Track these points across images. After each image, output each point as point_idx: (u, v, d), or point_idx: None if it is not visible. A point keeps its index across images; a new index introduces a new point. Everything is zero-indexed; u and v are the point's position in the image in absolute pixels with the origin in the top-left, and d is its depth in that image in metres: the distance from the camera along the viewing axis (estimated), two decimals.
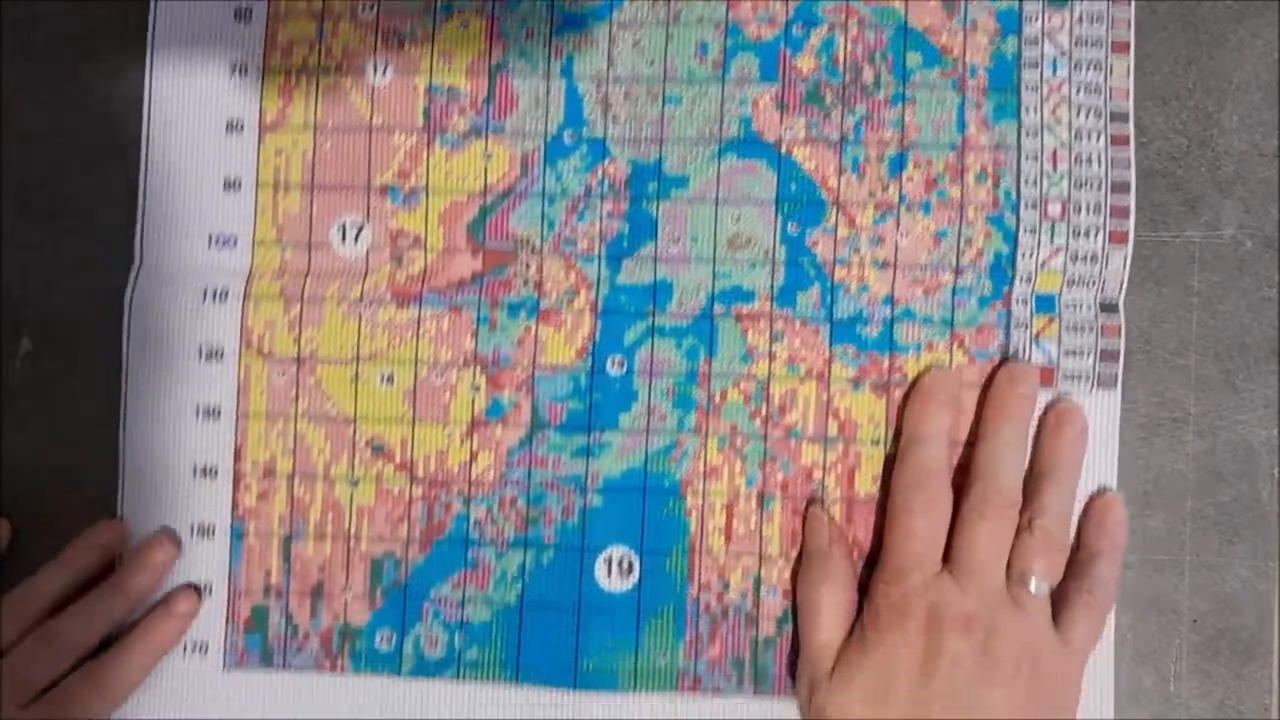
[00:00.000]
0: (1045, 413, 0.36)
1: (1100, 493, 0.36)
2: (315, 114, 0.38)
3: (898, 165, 0.37)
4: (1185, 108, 0.37)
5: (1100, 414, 0.37)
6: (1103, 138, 0.37)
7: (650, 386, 0.37)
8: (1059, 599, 0.35)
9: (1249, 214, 0.37)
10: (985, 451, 0.35)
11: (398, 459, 0.37)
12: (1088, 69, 0.37)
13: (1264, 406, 0.37)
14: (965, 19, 0.37)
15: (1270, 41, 0.37)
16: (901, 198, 0.37)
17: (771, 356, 0.37)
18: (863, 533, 0.37)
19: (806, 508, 0.37)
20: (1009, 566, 0.34)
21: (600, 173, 0.38)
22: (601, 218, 0.38)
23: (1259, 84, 0.37)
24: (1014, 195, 0.37)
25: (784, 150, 0.37)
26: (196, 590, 0.37)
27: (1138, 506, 0.37)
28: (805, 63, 0.37)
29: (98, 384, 0.38)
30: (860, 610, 0.35)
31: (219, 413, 0.38)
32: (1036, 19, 0.37)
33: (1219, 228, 0.37)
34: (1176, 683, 0.37)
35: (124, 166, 0.39)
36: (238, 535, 0.37)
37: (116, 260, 0.38)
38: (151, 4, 0.39)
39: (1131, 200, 0.37)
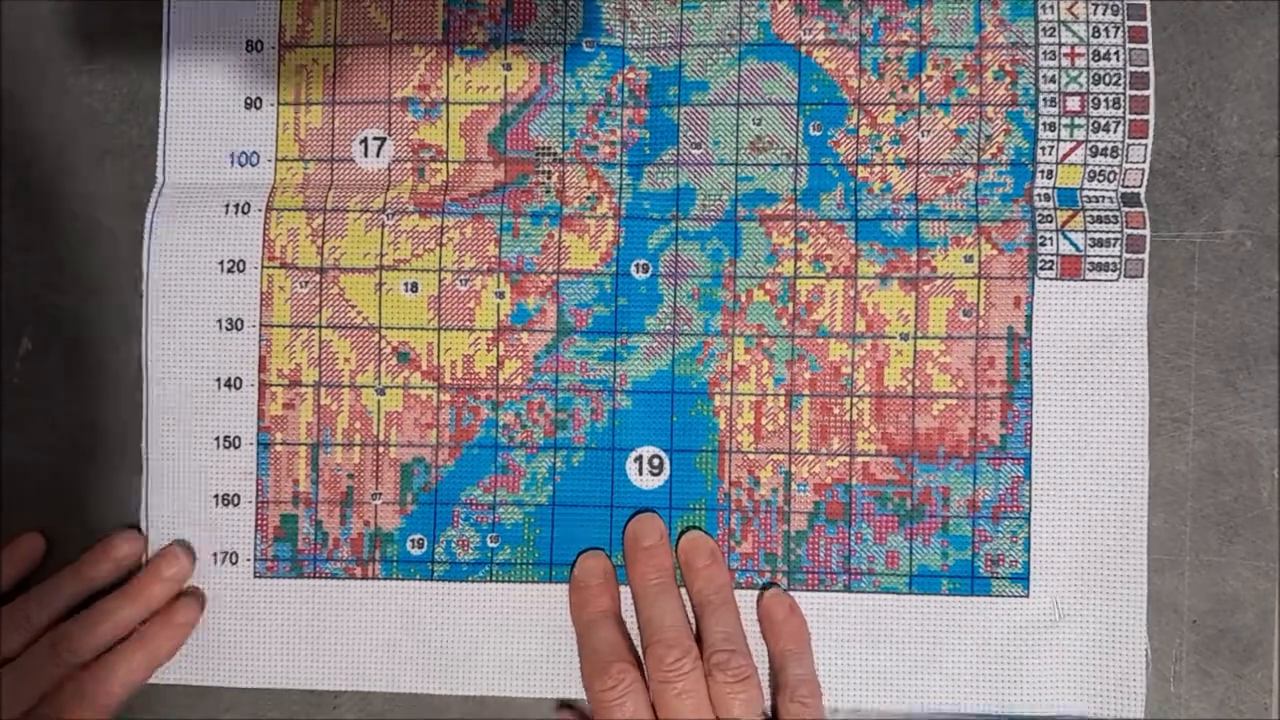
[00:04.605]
0: (678, 550, 0.36)
1: (764, 590, 0.36)
2: (335, 30, 0.38)
3: (917, 65, 0.37)
4: (1185, 108, 0.37)
5: (1129, 303, 0.37)
6: (1120, 32, 0.37)
7: (675, 290, 0.37)
8: (777, 711, 0.35)
9: (1249, 214, 0.37)
10: (641, 612, 0.35)
11: (424, 366, 0.37)
12: None
13: (1264, 406, 0.37)
14: None
15: (1270, 42, 0.37)
16: (921, 97, 0.37)
17: (797, 256, 0.37)
18: (893, 427, 0.37)
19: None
20: (717, 716, 0.34)
21: (620, 80, 0.38)
22: (623, 124, 0.38)
23: (1259, 84, 0.37)
24: (1033, 92, 0.37)
25: (804, 52, 0.38)
26: (199, 600, 0.37)
27: None
28: None
29: (98, 384, 0.38)
30: None
31: (242, 324, 0.37)
32: None
33: (1219, 228, 0.37)
34: (1176, 682, 0.36)
35: (124, 167, 0.39)
36: (264, 445, 0.37)
37: (117, 260, 0.38)
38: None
39: (1151, 92, 0.37)
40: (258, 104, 0.38)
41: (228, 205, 0.38)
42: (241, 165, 0.38)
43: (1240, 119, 0.37)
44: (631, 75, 0.38)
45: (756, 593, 0.36)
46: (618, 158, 0.38)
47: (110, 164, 0.39)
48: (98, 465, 0.38)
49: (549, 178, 0.38)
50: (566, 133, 0.38)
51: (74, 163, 0.39)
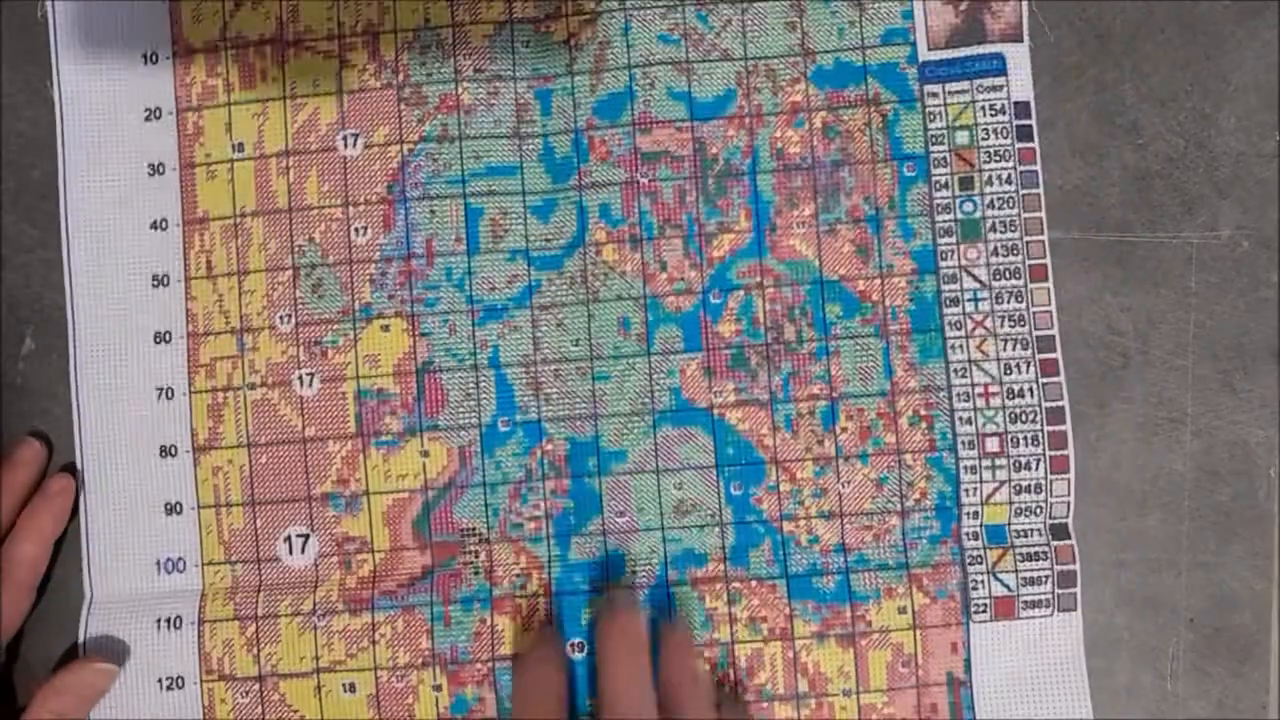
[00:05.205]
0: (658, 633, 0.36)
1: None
2: (247, 431, 0.38)
3: (830, 418, 0.37)
4: (1183, 109, 0.37)
5: (1063, 637, 0.37)
6: (1032, 367, 0.37)
7: None
8: None
9: (1246, 215, 0.37)
10: (603, 683, 0.34)
11: None
12: (1009, 299, 0.37)
13: (1261, 406, 0.37)
14: (881, 264, 0.37)
15: (1269, 43, 0.37)
16: (838, 449, 0.37)
17: (732, 619, 0.37)
18: None
19: None
20: None
21: (539, 453, 0.38)
22: (546, 497, 0.38)
23: (1257, 85, 0.37)
24: (950, 435, 0.37)
25: (717, 415, 0.37)
26: (73, 473, 0.38)
27: (1135, 507, 0.37)
28: (727, 327, 0.37)
29: None
30: None
31: None
32: (952, 255, 0.37)
33: (1216, 229, 0.37)
34: (1174, 682, 0.37)
35: None
36: None
37: None
38: (70, 346, 0.39)
39: (1068, 426, 0.37)
40: (178, 509, 0.38)
41: (159, 620, 0.38)
42: (168, 573, 0.38)
43: (1238, 120, 0.37)
44: (550, 447, 0.38)
45: None
46: (544, 530, 0.38)
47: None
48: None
49: (477, 558, 0.38)
50: (490, 512, 0.38)
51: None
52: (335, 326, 0.38)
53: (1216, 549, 0.37)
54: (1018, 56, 0.37)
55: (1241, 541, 0.37)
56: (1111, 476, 0.37)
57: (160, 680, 0.38)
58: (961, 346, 0.37)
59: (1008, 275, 0.37)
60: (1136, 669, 0.37)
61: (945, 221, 0.37)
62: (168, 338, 0.38)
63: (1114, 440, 0.37)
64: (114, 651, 0.38)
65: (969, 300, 0.37)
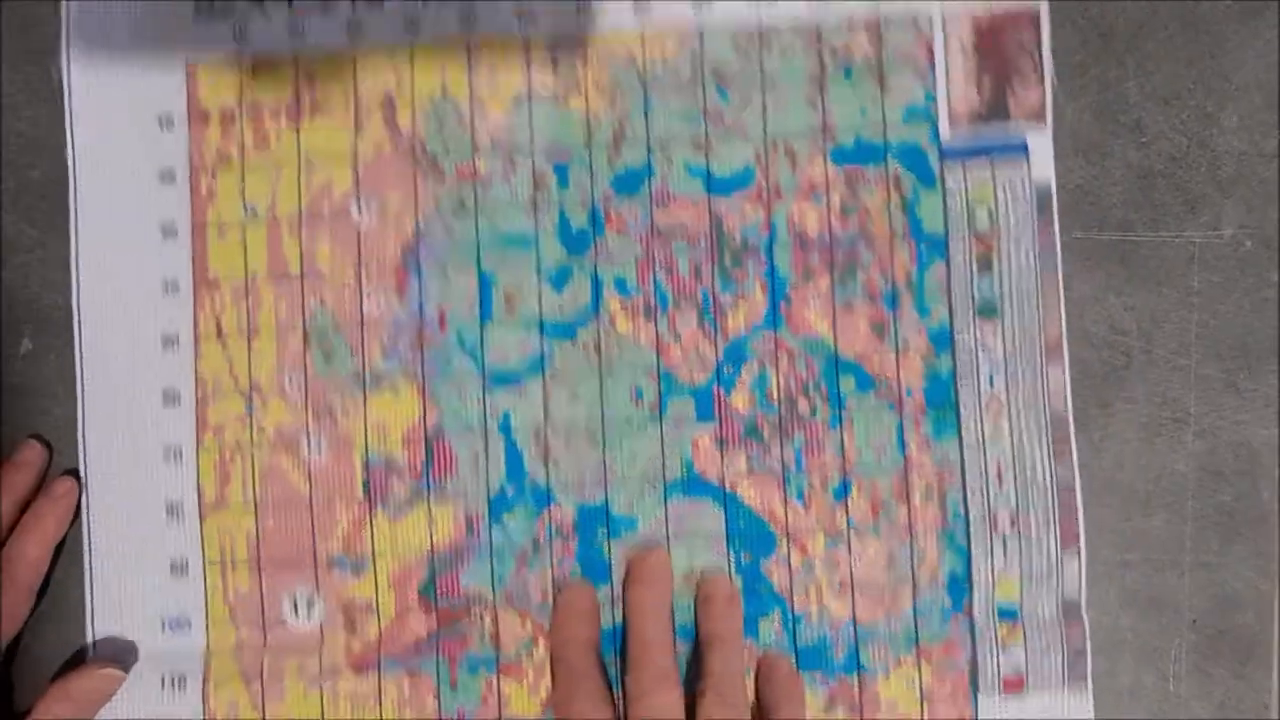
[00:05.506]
0: (697, 587, 0.37)
1: (765, 651, 0.37)
2: (254, 493, 0.38)
3: (842, 491, 0.37)
4: (1186, 108, 0.37)
5: (1074, 714, 0.36)
6: (1045, 446, 0.37)
7: None
8: None
9: (1249, 214, 0.37)
10: (631, 631, 0.36)
11: None
12: (1024, 378, 0.37)
13: (1265, 406, 0.37)
14: (896, 341, 0.37)
15: (1270, 41, 0.37)
16: (850, 523, 0.37)
17: None
18: None
19: None
20: None
21: (547, 519, 0.38)
22: (553, 564, 0.38)
23: (1259, 84, 0.37)
24: (962, 512, 0.37)
25: (728, 487, 0.37)
26: (76, 477, 0.38)
27: (1139, 507, 0.37)
28: (740, 400, 0.37)
29: None
30: None
31: None
32: (968, 332, 0.37)
33: (1219, 228, 0.37)
34: (1176, 683, 0.37)
35: None
36: None
37: None
38: (79, 405, 0.38)
39: (1079, 505, 0.37)
40: (184, 568, 0.38)
41: (163, 678, 0.38)
42: (173, 631, 0.38)
43: (1240, 119, 0.37)
44: (558, 513, 0.38)
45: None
46: (550, 599, 0.37)
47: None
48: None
49: (483, 623, 0.38)
50: (496, 579, 0.38)
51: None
52: (345, 391, 0.38)
53: (1220, 549, 0.37)
54: (1040, 138, 0.37)
55: (1245, 542, 0.37)
56: (1114, 477, 0.37)
57: None
58: (976, 425, 0.37)
59: (1023, 356, 0.37)
60: (1139, 670, 0.37)
61: (962, 301, 0.37)
62: (177, 398, 0.38)
63: (1117, 440, 0.37)
64: (117, 709, 0.38)
65: (984, 379, 0.37)
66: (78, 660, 0.38)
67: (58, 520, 0.38)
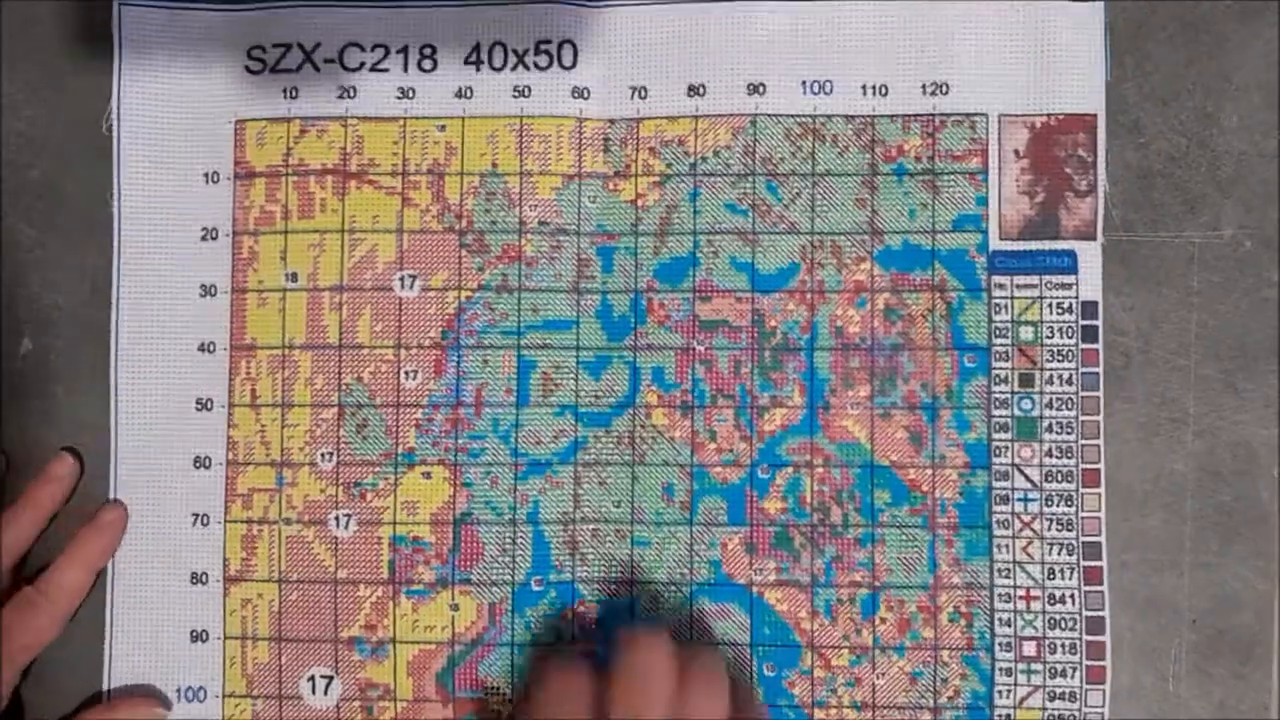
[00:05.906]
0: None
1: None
2: (280, 566, 0.38)
3: (870, 607, 0.37)
4: (1185, 108, 0.37)
5: None
6: (1076, 574, 0.36)
7: None
8: None
9: (1249, 214, 0.37)
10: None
11: None
12: (1059, 502, 0.37)
13: (1264, 406, 0.37)
14: (934, 454, 0.37)
15: (1270, 42, 0.37)
16: (876, 640, 0.37)
17: None
18: None
19: None
20: None
21: (570, 615, 0.37)
22: (574, 660, 0.37)
23: (1259, 84, 0.37)
24: (988, 636, 0.36)
25: (755, 592, 0.37)
26: (74, 454, 0.38)
27: (1138, 507, 0.37)
28: (772, 505, 0.37)
29: (98, 384, 0.38)
30: None
31: None
32: (1006, 452, 0.37)
33: (1219, 228, 0.37)
34: (1176, 682, 0.36)
35: None
36: None
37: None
38: (111, 466, 0.38)
39: (1107, 637, 0.36)
40: (204, 637, 0.38)
41: None
42: (189, 701, 0.38)
43: (1240, 119, 0.37)
44: (582, 609, 0.37)
45: None
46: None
47: (110, 164, 0.39)
48: (97, 464, 0.38)
49: (499, 716, 0.37)
50: (516, 673, 0.37)
51: (74, 163, 0.39)
52: (376, 469, 0.38)
53: (1219, 549, 0.37)
54: (1089, 255, 0.37)
55: (1244, 542, 0.37)
56: (1113, 476, 0.37)
57: None
58: (1008, 546, 0.37)
59: (1060, 478, 0.37)
60: (1138, 669, 0.37)
61: (1002, 417, 0.37)
62: (207, 463, 0.38)
63: (1116, 440, 0.37)
64: None
65: (1019, 500, 0.37)
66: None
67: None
